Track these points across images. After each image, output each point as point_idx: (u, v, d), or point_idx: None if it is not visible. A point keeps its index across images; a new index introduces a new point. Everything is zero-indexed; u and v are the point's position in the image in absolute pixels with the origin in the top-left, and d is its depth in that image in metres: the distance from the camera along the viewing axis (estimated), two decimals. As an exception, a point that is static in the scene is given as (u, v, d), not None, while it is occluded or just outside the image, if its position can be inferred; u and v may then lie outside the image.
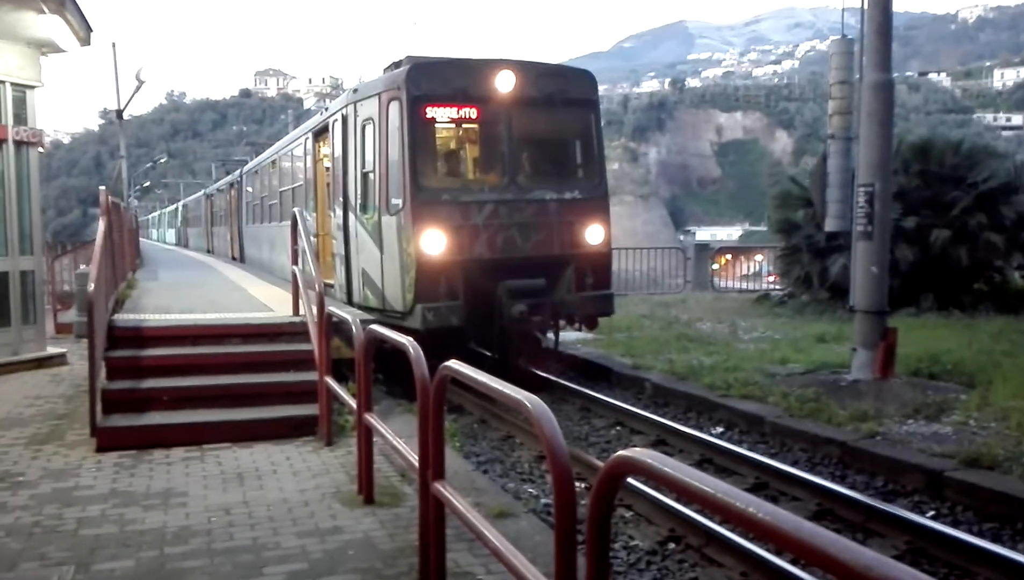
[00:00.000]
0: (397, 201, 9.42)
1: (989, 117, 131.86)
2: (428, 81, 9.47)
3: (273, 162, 16.27)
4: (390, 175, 9.55)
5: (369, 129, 9.92)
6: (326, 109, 12.26)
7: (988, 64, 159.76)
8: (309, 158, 12.80)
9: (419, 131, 9.45)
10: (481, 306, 9.52)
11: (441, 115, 9.60)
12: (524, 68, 9.98)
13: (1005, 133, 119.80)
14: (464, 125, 10.13)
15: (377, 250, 9.77)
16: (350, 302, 10.54)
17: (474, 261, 9.50)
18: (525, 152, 10.22)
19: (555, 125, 10.56)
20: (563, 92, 10.17)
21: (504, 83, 9.65)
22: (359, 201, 10.16)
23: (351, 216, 10.42)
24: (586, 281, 10.07)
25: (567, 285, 10.05)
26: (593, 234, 10.11)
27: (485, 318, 9.59)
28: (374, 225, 9.80)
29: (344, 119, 10.60)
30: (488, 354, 10.19)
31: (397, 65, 10.02)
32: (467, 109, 9.69)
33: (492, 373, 3.19)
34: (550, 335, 10.58)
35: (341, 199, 10.81)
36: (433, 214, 9.29)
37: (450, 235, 9.32)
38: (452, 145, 10.61)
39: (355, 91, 10.68)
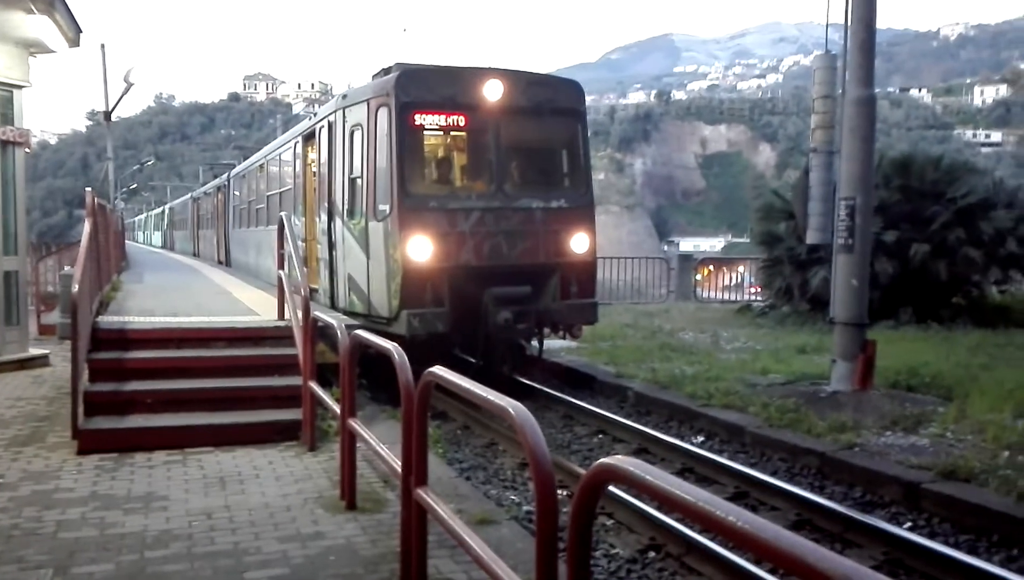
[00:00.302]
0: (384, 207, 9.44)
1: (969, 133, 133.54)
2: (417, 88, 9.51)
3: (261, 166, 16.24)
4: (378, 181, 9.57)
5: (358, 135, 9.94)
6: (315, 114, 12.27)
7: (968, 81, 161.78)
8: (298, 163, 12.79)
9: (407, 138, 9.48)
10: (466, 313, 9.54)
11: (429, 122, 9.64)
12: (512, 77, 10.03)
13: (984, 149, 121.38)
14: (452, 132, 10.17)
15: (364, 255, 9.78)
16: (334, 307, 10.54)
17: (460, 268, 9.53)
18: (512, 160, 10.27)
19: (542, 134, 10.62)
20: (550, 101, 10.23)
21: (492, 92, 9.70)
22: (346, 206, 10.17)
23: (338, 221, 10.43)
24: (571, 289, 10.11)
25: (552, 293, 10.09)
26: (578, 243, 10.17)
27: (470, 325, 9.61)
28: (361, 231, 9.81)
29: (332, 125, 10.62)
30: (473, 361, 10.22)
31: (386, 72, 10.04)
32: (455, 117, 9.73)
33: (476, 380, 3.21)
34: (535, 343, 10.62)
35: (326, 204, 10.81)
36: (420, 221, 9.32)
37: (437, 242, 9.35)
38: (440, 152, 10.64)
39: (344, 97, 10.70)
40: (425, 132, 9.84)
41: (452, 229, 9.47)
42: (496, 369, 9.73)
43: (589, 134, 11.17)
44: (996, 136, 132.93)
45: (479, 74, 9.86)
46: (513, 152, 10.26)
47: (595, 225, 10.52)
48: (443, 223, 9.45)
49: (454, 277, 9.49)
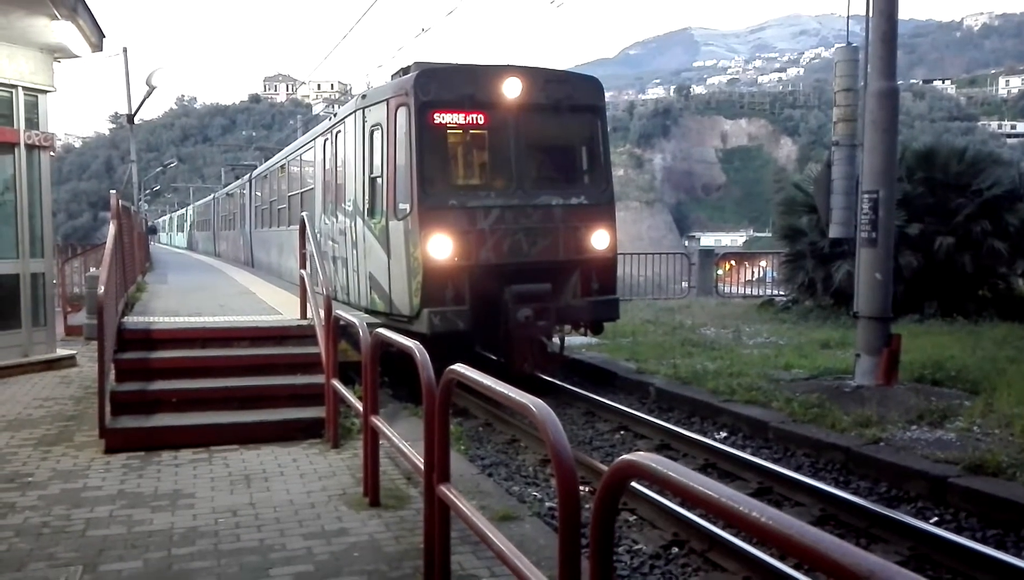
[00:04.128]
0: (405, 206, 9.47)
1: (994, 125, 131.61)
2: (436, 87, 9.52)
3: (282, 167, 16.36)
4: (398, 180, 9.61)
5: (377, 134, 9.98)
6: (335, 115, 12.33)
7: (993, 72, 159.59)
8: (318, 163, 12.87)
9: (427, 137, 9.50)
10: (487, 310, 9.55)
11: (449, 121, 9.65)
12: (531, 74, 10.02)
13: (1010, 141, 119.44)
14: (471, 131, 10.17)
15: (385, 254, 9.82)
16: (349, 305, 10.59)
17: (480, 266, 9.54)
18: (532, 158, 10.26)
19: (562, 131, 10.60)
20: (570, 98, 10.21)
21: (511, 89, 9.70)
22: (367, 206, 10.22)
23: (359, 221, 10.48)
24: (592, 286, 10.10)
25: (573, 290, 10.08)
26: (599, 239, 10.15)
27: (491, 322, 9.62)
28: (382, 230, 9.86)
29: (353, 124, 10.67)
30: (494, 358, 10.24)
31: (405, 71, 10.07)
32: (474, 115, 9.73)
33: (497, 377, 3.22)
34: (555, 339, 10.61)
35: (344, 204, 10.86)
36: (440, 219, 9.34)
37: (457, 240, 9.37)
38: (459, 151, 10.64)
39: (364, 97, 10.75)
40: (444, 131, 9.85)
41: (472, 227, 9.49)
42: (517, 366, 9.73)
43: (608, 130, 11.13)
44: (1021, 127, 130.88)
45: (498, 72, 9.86)
46: (532, 149, 10.25)
47: (615, 221, 10.50)
48: (463, 221, 9.46)
49: (474, 275, 9.51)
